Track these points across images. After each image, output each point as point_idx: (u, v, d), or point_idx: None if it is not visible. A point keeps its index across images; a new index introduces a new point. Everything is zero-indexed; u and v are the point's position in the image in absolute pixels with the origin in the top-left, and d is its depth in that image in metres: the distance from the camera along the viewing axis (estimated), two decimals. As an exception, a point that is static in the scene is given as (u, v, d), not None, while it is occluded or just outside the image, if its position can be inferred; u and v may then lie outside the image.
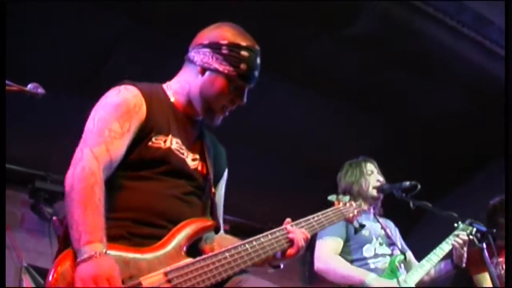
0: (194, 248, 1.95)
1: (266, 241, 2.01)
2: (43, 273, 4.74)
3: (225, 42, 2.05)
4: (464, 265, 3.52)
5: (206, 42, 2.08)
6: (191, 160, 2.07)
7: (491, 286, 3.70)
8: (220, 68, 2.04)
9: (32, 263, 4.92)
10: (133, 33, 4.50)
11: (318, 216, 2.24)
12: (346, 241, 3.50)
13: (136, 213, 1.91)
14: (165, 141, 2.00)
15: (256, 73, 2.09)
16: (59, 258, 1.74)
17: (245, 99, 2.10)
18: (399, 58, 5.05)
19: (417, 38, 4.89)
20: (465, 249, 3.45)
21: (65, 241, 1.81)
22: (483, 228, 3.46)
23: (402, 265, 3.45)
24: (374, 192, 3.61)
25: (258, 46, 2.11)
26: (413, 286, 3.34)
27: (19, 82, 2.38)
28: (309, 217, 2.20)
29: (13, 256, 4.87)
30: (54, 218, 4.50)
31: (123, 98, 1.97)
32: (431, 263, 3.43)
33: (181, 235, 1.90)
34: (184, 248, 1.89)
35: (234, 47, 2.04)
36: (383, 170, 3.73)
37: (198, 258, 1.87)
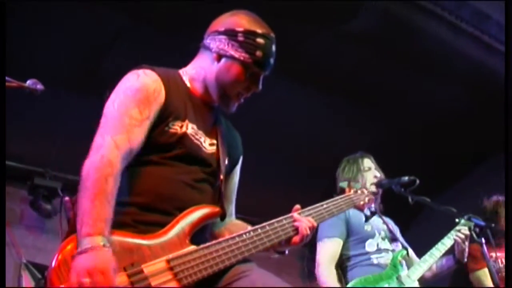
0: (201, 234, 1.94)
1: (271, 228, 2.00)
2: (42, 269, 4.76)
3: (241, 29, 2.04)
4: (465, 260, 3.53)
5: (222, 29, 2.07)
6: (209, 145, 2.06)
7: (490, 282, 3.72)
8: (236, 55, 2.03)
9: (31, 259, 4.94)
10: (132, 32, 4.50)
11: (327, 203, 2.23)
12: (348, 237, 3.50)
13: (144, 197, 1.89)
14: (181, 126, 1.98)
15: (272, 61, 2.08)
16: (64, 242, 1.74)
17: (260, 86, 2.10)
18: (398, 54, 5.05)
19: (417, 33, 4.89)
20: (467, 243, 3.45)
21: (74, 224, 1.80)
22: (482, 223, 3.46)
23: (404, 262, 3.45)
24: (372, 188, 3.60)
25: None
26: (416, 281, 3.34)
27: (19, 80, 2.38)
28: (318, 204, 2.19)
29: (12, 252, 4.88)
30: (67, 198, 4.52)
31: (142, 83, 1.96)
32: (434, 258, 3.42)
33: (185, 222, 1.89)
34: (189, 235, 1.87)
35: (250, 34, 2.04)
36: (383, 166, 3.73)
37: (201, 246, 1.85)
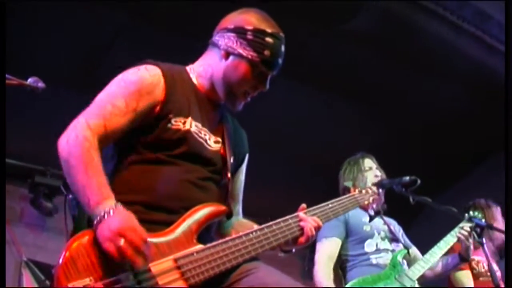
0: (207, 233, 1.93)
1: (278, 228, 1.99)
2: (43, 267, 4.76)
3: (250, 27, 2.03)
4: (470, 257, 3.51)
5: (231, 26, 2.06)
6: (214, 143, 2.05)
7: (470, 284, 3.71)
8: (244, 53, 2.02)
9: (31, 257, 4.94)
10: (132, 31, 4.50)
11: (333, 203, 2.22)
12: (347, 237, 3.50)
13: (149, 196, 1.89)
14: (184, 123, 1.97)
15: (280, 61, 2.06)
16: (71, 240, 1.72)
17: (267, 86, 2.09)
18: (398, 54, 5.05)
19: (418, 33, 4.88)
20: (470, 241, 3.43)
21: (80, 222, 1.81)
22: (483, 223, 3.46)
23: (405, 261, 3.44)
24: (373, 188, 3.60)
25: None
26: (415, 280, 3.34)
27: (20, 78, 2.38)
28: (323, 204, 2.18)
29: (13, 250, 4.88)
30: (71, 196, 4.53)
31: (139, 77, 1.95)
32: (435, 257, 3.41)
33: (191, 220, 1.87)
34: (196, 234, 1.86)
35: (259, 33, 2.03)
36: (383, 166, 3.74)
37: (208, 245, 1.84)
